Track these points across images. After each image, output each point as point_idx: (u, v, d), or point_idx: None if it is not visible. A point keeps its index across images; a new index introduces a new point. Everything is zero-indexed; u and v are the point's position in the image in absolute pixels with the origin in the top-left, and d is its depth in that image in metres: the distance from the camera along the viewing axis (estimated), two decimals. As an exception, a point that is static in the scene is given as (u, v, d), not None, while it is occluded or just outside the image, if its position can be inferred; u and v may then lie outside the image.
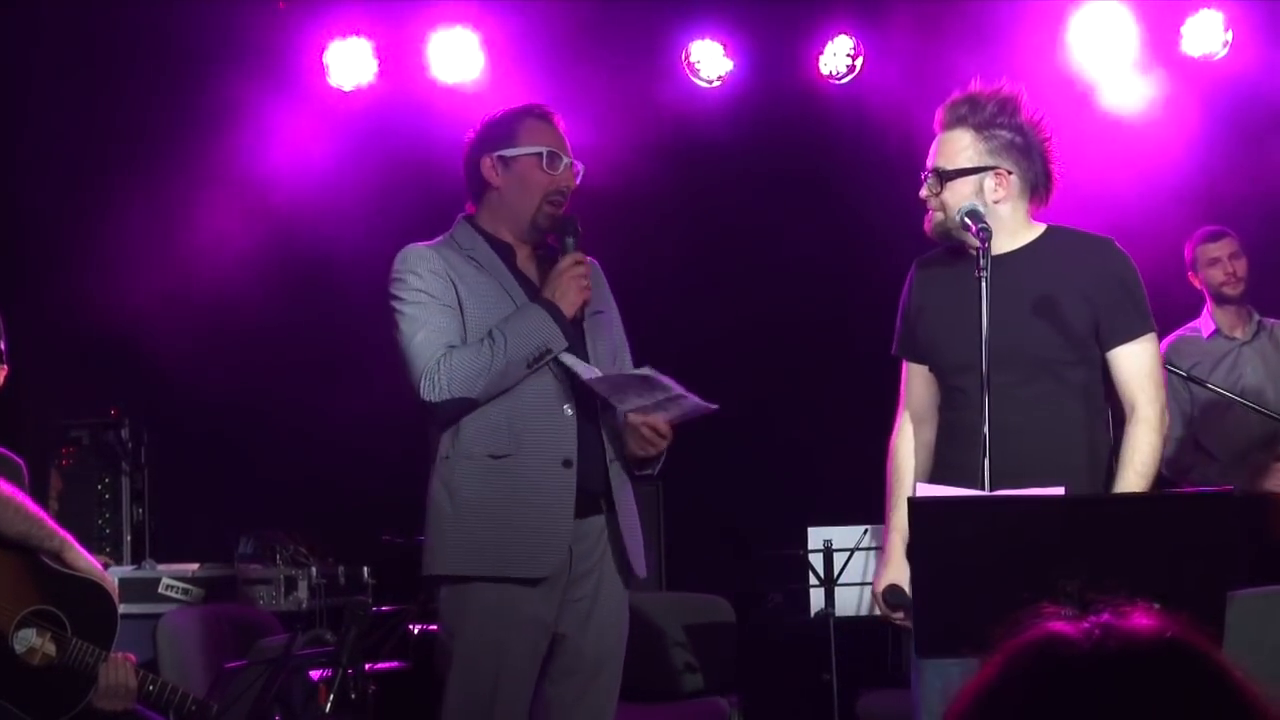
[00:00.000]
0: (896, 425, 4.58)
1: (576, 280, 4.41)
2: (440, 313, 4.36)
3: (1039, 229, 4.38)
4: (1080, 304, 4.27)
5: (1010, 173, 4.29)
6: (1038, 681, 1.44)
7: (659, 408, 4.37)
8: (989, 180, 4.28)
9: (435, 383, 4.28)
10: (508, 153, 4.48)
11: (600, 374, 4.37)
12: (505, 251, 4.52)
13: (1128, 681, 1.42)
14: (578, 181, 4.55)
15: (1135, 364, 4.30)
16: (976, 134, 4.29)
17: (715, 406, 4.40)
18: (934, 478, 4.30)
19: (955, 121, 4.31)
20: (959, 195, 4.27)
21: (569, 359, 4.39)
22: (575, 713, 4.43)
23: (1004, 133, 4.29)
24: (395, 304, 4.42)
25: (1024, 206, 4.34)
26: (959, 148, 4.29)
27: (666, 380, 4.29)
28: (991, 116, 4.29)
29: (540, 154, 4.47)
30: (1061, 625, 1.47)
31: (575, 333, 4.43)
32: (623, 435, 4.44)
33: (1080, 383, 4.30)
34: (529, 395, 4.35)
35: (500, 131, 4.53)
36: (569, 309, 4.39)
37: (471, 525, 4.32)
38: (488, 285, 4.43)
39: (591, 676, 4.45)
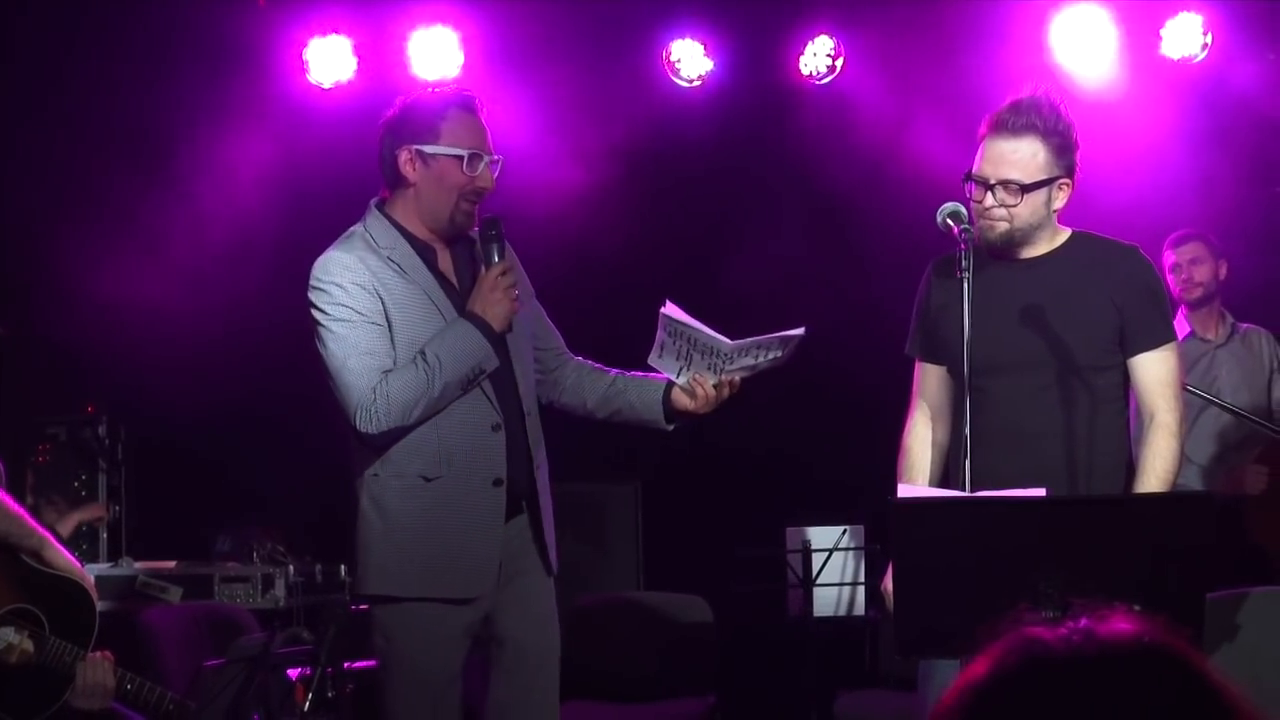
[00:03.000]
0: (909, 422, 4.56)
1: (506, 293, 4.30)
2: (369, 332, 4.25)
3: (1065, 233, 4.41)
4: (1110, 309, 4.31)
5: (1069, 180, 4.31)
6: (1016, 686, 1.44)
7: (752, 367, 4.38)
8: (1056, 189, 4.29)
9: (373, 414, 4.20)
10: (428, 149, 4.33)
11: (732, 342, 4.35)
12: (424, 251, 4.40)
13: (1105, 685, 1.42)
14: (496, 174, 4.40)
15: (1157, 371, 4.34)
16: (1045, 142, 4.25)
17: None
18: (959, 483, 4.25)
19: (1024, 128, 4.24)
20: (1033, 206, 4.28)
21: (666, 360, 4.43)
22: (526, 712, 4.42)
23: (1063, 139, 4.28)
24: (319, 317, 4.29)
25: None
26: (1033, 156, 4.25)
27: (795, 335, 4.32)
28: (1054, 123, 4.26)
29: (462, 156, 4.33)
30: (1039, 629, 1.47)
31: (499, 342, 4.33)
32: (679, 391, 4.45)
33: (1104, 387, 4.33)
34: (457, 414, 4.29)
35: (421, 123, 4.36)
36: (499, 324, 4.28)
37: (404, 545, 4.28)
38: (412, 294, 4.32)
39: (535, 673, 4.44)
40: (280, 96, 7.80)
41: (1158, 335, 4.36)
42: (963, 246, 4.03)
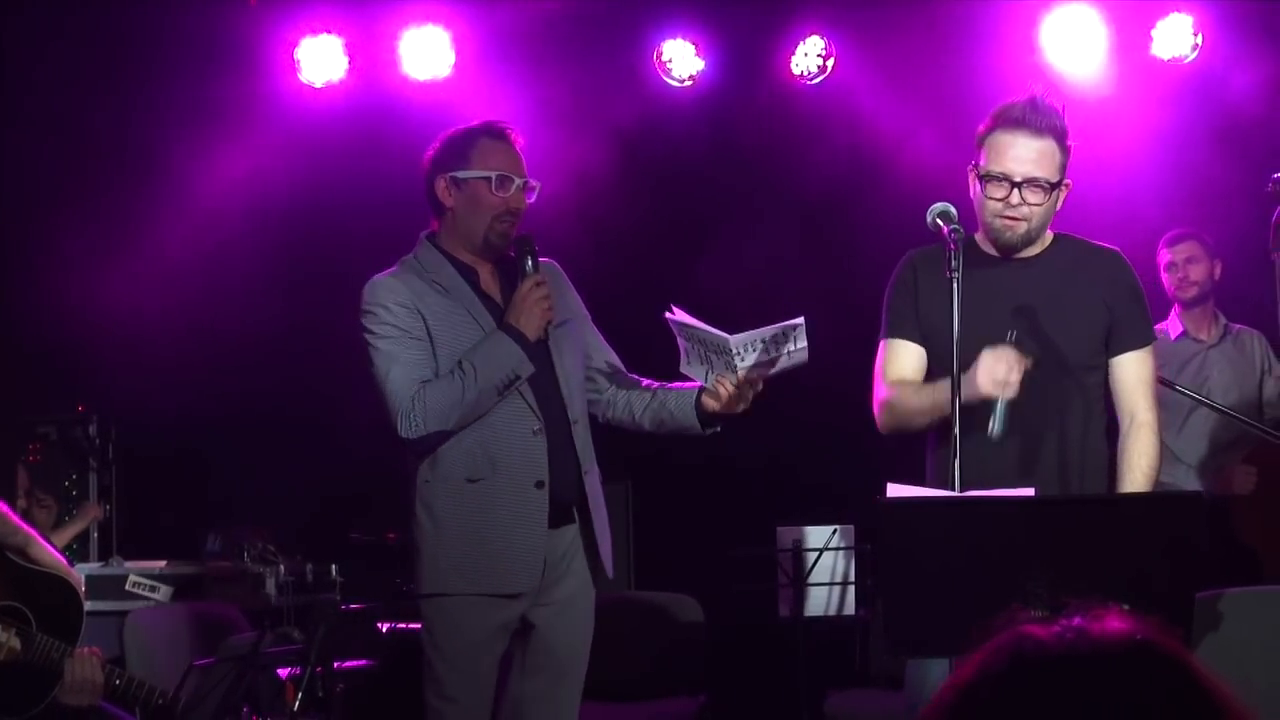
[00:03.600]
0: (888, 394, 4.43)
1: (538, 303, 4.50)
2: (411, 346, 4.48)
3: (1049, 236, 4.41)
4: (1101, 309, 4.34)
5: (1069, 182, 4.32)
6: (1010, 683, 1.44)
7: (770, 363, 4.39)
8: (1061, 190, 4.30)
9: (411, 420, 4.41)
10: (460, 174, 4.56)
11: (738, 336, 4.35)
12: (468, 273, 4.61)
13: (1100, 683, 1.42)
14: (532, 200, 4.62)
15: (1140, 370, 4.38)
16: (1059, 143, 4.27)
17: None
18: (950, 481, 4.21)
19: (1047, 129, 4.25)
20: (1050, 206, 4.29)
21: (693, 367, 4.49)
22: (544, 709, 4.57)
23: (1067, 142, 4.29)
24: (368, 337, 4.53)
25: None
26: (1053, 156, 4.26)
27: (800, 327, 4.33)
28: (1063, 124, 4.28)
29: (490, 178, 4.54)
30: (1033, 627, 1.47)
31: (541, 351, 4.52)
32: (705, 393, 4.51)
33: (1093, 386, 4.35)
34: (499, 419, 4.48)
35: (454, 152, 4.60)
36: (533, 333, 4.48)
37: (450, 544, 4.45)
38: (454, 310, 4.53)
39: (560, 674, 4.59)
40: (271, 96, 7.79)
41: (1142, 335, 4.40)
42: (951, 246, 4.01)
